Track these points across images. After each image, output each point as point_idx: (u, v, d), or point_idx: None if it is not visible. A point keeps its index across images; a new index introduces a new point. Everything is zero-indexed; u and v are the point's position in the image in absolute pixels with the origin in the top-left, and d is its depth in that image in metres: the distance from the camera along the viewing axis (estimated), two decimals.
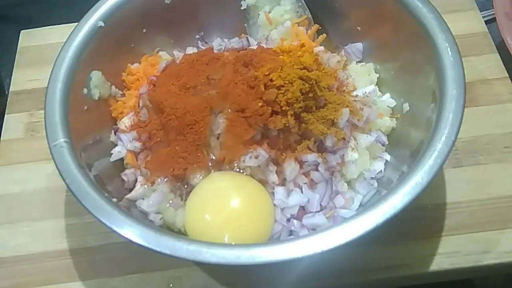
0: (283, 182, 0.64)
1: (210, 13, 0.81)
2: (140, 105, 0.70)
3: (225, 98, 0.63)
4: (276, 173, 0.63)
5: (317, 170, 0.64)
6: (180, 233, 0.64)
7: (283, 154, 0.64)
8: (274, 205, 0.63)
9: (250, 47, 0.77)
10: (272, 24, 0.78)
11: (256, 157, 0.61)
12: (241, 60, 0.66)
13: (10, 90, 0.86)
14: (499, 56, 0.81)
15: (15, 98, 0.85)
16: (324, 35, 0.79)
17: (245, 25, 0.78)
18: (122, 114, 0.72)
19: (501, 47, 0.83)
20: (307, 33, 0.76)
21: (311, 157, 0.63)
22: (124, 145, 0.68)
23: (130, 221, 0.54)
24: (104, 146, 0.70)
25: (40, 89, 0.83)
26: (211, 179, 0.63)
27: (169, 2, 0.76)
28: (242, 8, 0.79)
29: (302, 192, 0.64)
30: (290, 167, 0.63)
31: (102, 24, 0.70)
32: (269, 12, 0.79)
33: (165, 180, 0.64)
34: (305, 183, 0.64)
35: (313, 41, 0.76)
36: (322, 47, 0.77)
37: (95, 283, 0.67)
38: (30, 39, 0.92)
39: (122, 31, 0.73)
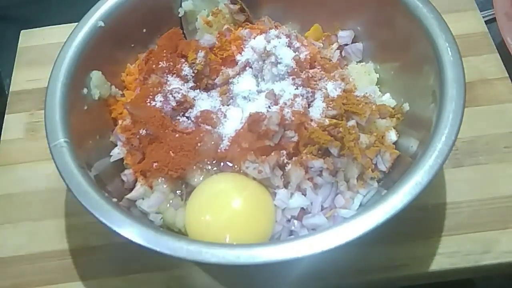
0: (286, 184, 0.64)
1: None
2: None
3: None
4: (280, 177, 0.63)
5: (321, 175, 0.64)
6: (180, 233, 0.64)
7: (289, 161, 0.64)
8: (275, 205, 0.63)
9: None
10: (213, 26, 0.78)
11: (259, 172, 0.62)
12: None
13: (10, 90, 0.86)
14: (499, 56, 0.81)
15: (15, 98, 0.85)
16: (317, 24, 0.79)
17: (184, 31, 0.78)
18: (122, 114, 0.72)
19: (501, 47, 0.83)
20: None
21: (317, 163, 0.62)
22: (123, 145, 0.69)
23: (130, 221, 0.54)
24: (104, 146, 0.70)
25: (40, 89, 0.83)
26: (212, 180, 0.64)
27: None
28: (180, 15, 0.79)
29: (305, 195, 0.64)
30: (296, 174, 0.63)
31: (102, 24, 0.70)
32: (207, 16, 0.79)
33: (164, 180, 0.64)
34: (309, 187, 0.64)
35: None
36: (321, 44, 0.78)
37: (95, 283, 0.67)
38: (30, 39, 0.92)
39: (122, 31, 0.73)
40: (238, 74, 0.71)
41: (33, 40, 0.92)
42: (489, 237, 0.66)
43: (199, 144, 0.64)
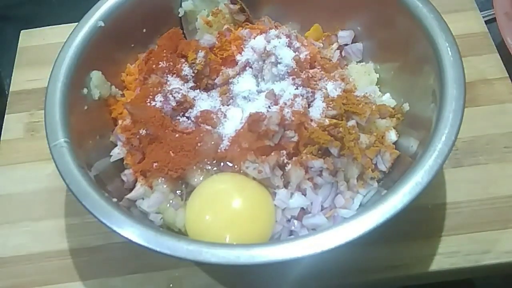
0: (286, 184, 0.64)
1: None
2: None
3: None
4: (280, 177, 0.63)
5: (321, 175, 0.64)
6: (180, 233, 0.64)
7: (289, 161, 0.64)
8: (275, 205, 0.63)
9: None
10: (213, 26, 0.78)
11: (259, 172, 0.62)
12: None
13: (10, 90, 0.86)
14: (499, 56, 0.81)
15: (15, 98, 0.85)
16: (317, 24, 0.79)
17: (184, 31, 0.78)
18: (122, 114, 0.72)
19: (501, 47, 0.83)
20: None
21: (317, 163, 0.62)
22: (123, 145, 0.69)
23: (130, 221, 0.54)
24: (104, 146, 0.70)
25: (40, 89, 0.83)
26: (212, 180, 0.64)
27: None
28: (180, 15, 0.79)
29: (305, 195, 0.64)
30: (296, 174, 0.63)
31: (102, 24, 0.70)
32: (207, 16, 0.79)
33: (164, 180, 0.64)
34: (309, 187, 0.64)
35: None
36: (321, 44, 0.78)
37: (95, 283, 0.67)
38: (30, 39, 0.92)
39: (122, 31, 0.73)
40: (238, 74, 0.71)
41: (33, 40, 0.92)
42: (489, 237, 0.66)
43: (199, 144, 0.64)
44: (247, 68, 0.72)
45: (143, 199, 0.65)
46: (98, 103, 0.70)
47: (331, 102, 0.66)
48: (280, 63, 0.69)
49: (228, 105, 0.69)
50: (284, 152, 0.64)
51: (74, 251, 0.69)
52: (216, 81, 0.72)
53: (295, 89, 0.67)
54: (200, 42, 0.74)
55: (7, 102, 0.85)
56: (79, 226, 0.71)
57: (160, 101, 0.68)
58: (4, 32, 1.08)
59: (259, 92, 0.69)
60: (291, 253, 0.51)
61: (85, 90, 0.68)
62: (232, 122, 0.67)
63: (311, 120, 0.65)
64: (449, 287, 0.74)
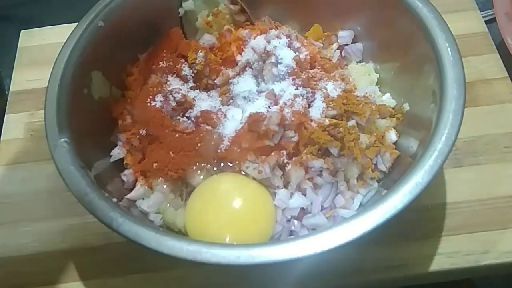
0: (286, 184, 0.64)
1: None
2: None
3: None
4: (280, 177, 0.63)
5: (321, 175, 0.64)
6: (180, 233, 0.64)
7: (289, 161, 0.64)
8: (275, 205, 0.63)
9: None
10: (213, 27, 0.78)
11: (259, 172, 0.62)
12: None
13: (10, 90, 0.86)
14: (499, 56, 0.81)
15: (15, 98, 0.85)
16: (317, 24, 0.79)
17: (184, 31, 0.78)
18: (122, 114, 0.72)
19: (501, 47, 0.83)
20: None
21: (317, 163, 0.63)
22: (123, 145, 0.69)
23: (130, 221, 0.54)
24: (104, 146, 0.70)
25: (40, 89, 0.83)
26: (213, 180, 0.64)
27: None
28: (180, 15, 0.79)
29: (305, 195, 0.64)
30: (296, 174, 0.63)
31: (102, 24, 0.70)
32: (208, 16, 0.79)
33: (164, 180, 0.64)
34: (309, 187, 0.64)
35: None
36: (321, 44, 0.78)
37: (96, 283, 0.67)
38: (30, 39, 0.92)
39: (122, 31, 0.73)
40: (238, 74, 0.72)
41: (33, 40, 0.92)
42: (489, 237, 0.66)
43: (199, 144, 0.64)
44: (247, 68, 0.72)
45: (143, 199, 0.65)
46: (98, 103, 0.70)
47: (331, 102, 0.66)
48: (280, 63, 0.69)
49: (228, 105, 0.70)
50: (284, 152, 0.64)
51: (74, 251, 0.69)
52: (216, 81, 0.72)
53: (295, 89, 0.67)
54: (200, 42, 0.74)
55: (7, 102, 0.85)
56: (79, 226, 0.71)
57: (160, 101, 0.68)
58: (4, 32, 1.08)
59: (259, 92, 0.69)
60: (291, 253, 0.51)
61: (85, 90, 0.68)
62: (232, 122, 0.67)
63: (311, 120, 0.65)
64: (449, 287, 0.74)
